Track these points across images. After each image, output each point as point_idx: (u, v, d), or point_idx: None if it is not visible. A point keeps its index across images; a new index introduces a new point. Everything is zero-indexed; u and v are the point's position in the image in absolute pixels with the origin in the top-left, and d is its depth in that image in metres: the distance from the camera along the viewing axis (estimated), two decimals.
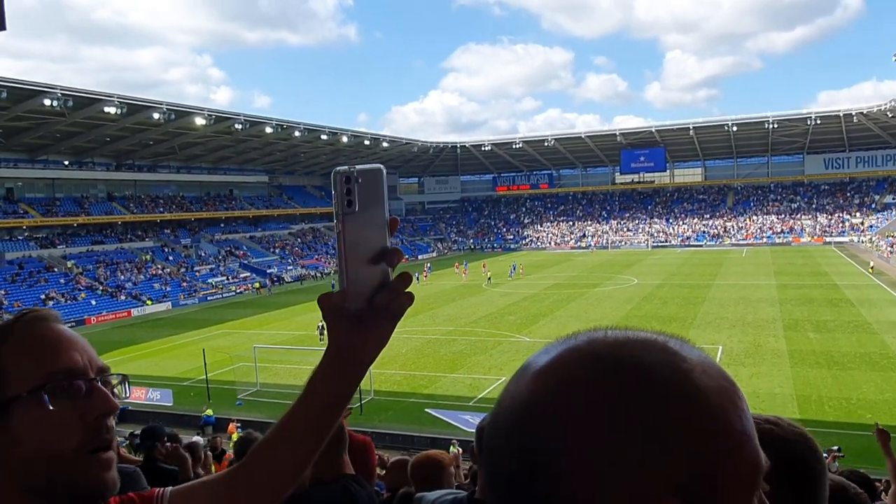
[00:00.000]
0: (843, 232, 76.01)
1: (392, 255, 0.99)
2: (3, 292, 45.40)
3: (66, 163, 60.18)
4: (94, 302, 48.36)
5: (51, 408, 1.00)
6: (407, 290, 1.01)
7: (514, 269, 57.74)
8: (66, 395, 1.02)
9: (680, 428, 0.55)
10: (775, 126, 76.43)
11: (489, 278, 53.32)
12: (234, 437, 18.47)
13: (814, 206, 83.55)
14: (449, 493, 2.32)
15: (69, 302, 47.10)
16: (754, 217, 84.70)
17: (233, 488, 1.18)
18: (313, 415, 1.12)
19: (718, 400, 0.57)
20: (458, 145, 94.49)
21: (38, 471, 1.01)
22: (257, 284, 58.73)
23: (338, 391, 1.10)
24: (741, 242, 78.87)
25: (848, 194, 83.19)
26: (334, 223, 0.96)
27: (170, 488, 1.21)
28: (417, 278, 53.63)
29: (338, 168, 0.94)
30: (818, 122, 73.80)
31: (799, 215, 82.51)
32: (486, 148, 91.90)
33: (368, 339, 1.04)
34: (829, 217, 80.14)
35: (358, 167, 0.95)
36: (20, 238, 54.38)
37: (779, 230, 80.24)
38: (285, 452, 1.14)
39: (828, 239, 75.27)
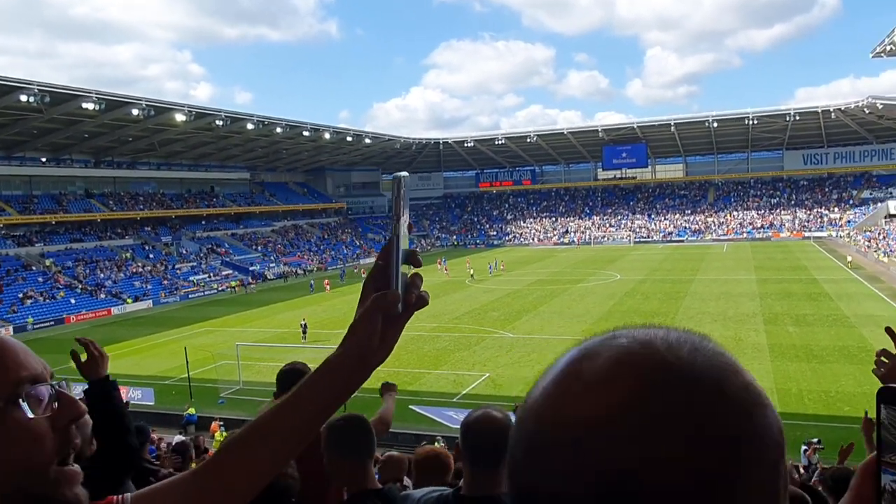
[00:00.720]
0: (822, 227, 76.93)
1: (416, 257, 1.04)
2: None
3: (44, 160, 59.32)
4: (73, 300, 47.79)
5: (31, 416, 0.94)
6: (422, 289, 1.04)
7: (495, 264, 57.88)
8: (37, 404, 0.96)
9: (754, 435, 0.54)
10: (755, 122, 77.17)
11: (472, 275, 53.40)
12: (217, 436, 18.37)
13: (793, 201, 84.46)
14: (434, 490, 2.32)
15: (48, 301, 46.54)
16: (735, 212, 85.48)
17: (200, 488, 1.10)
18: (306, 414, 1.07)
19: (768, 403, 0.58)
20: (441, 141, 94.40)
21: (19, 486, 0.94)
22: (233, 283, 58.01)
23: (340, 391, 1.07)
24: (722, 238, 79.55)
25: (826, 190, 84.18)
26: (393, 226, 1.02)
27: (130, 494, 1.17)
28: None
29: (398, 173, 1.02)
30: (797, 118, 74.59)
31: (778, 210, 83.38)
32: (469, 144, 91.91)
33: (388, 340, 1.04)
34: (808, 212, 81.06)
35: (401, 174, 1.02)
36: None
37: (759, 225, 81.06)
38: (264, 451, 1.08)
39: (807, 234, 76.15)
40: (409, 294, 1.03)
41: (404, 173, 1.03)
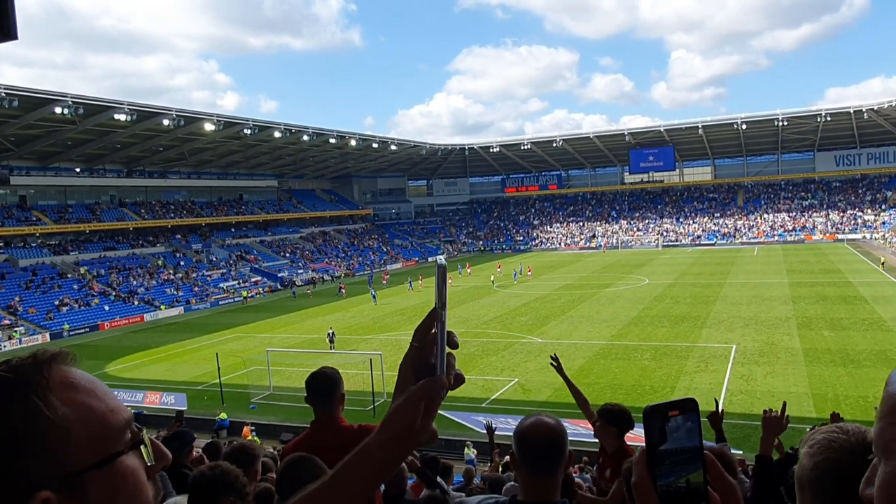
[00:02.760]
0: (856, 229, 75.42)
1: (453, 338, 1.06)
2: (17, 299, 45.74)
3: (78, 170, 60.60)
4: (107, 307, 48.67)
5: (151, 463, 0.87)
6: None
7: (521, 270, 57.56)
8: (142, 448, 0.89)
9: None
10: (785, 124, 75.94)
11: (493, 281, 53.25)
12: (250, 440, 18.51)
13: (825, 203, 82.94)
14: (489, 496, 2.36)
15: (83, 308, 47.46)
16: (765, 215, 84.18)
17: None
18: (342, 500, 0.99)
19: None
20: (467, 147, 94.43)
21: None
22: (244, 293, 56.92)
23: (380, 476, 1.01)
24: (752, 241, 78.39)
25: (860, 191, 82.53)
26: (438, 313, 1.04)
27: None
28: (410, 285, 53.69)
29: (440, 260, 1.06)
30: (828, 119, 73.31)
31: (810, 213, 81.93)
32: (495, 149, 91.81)
33: (426, 421, 1.01)
34: (841, 214, 79.52)
35: (442, 260, 1.06)
36: (33, 245, 54.80)
37: (790, 228, 79.71)
38: None
39: (840, 236, 74.70)
40: (448, 376, 1.05)
41: (443, 259, 1.06)
